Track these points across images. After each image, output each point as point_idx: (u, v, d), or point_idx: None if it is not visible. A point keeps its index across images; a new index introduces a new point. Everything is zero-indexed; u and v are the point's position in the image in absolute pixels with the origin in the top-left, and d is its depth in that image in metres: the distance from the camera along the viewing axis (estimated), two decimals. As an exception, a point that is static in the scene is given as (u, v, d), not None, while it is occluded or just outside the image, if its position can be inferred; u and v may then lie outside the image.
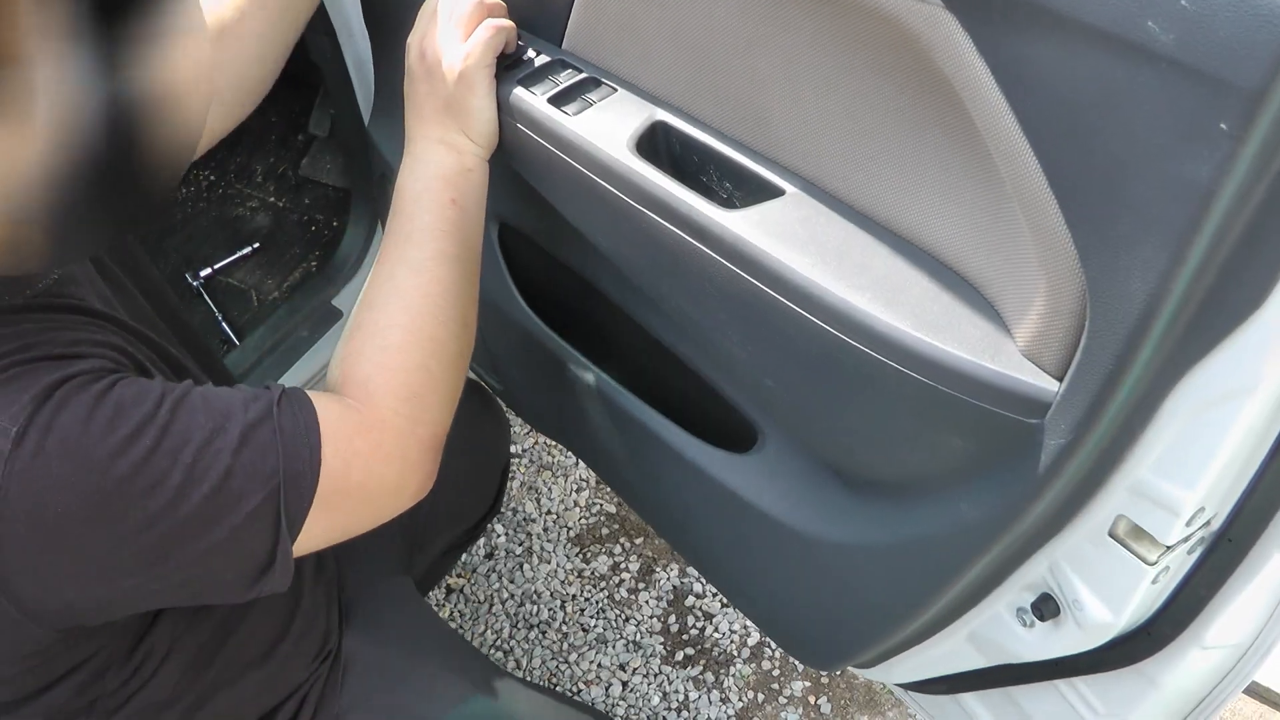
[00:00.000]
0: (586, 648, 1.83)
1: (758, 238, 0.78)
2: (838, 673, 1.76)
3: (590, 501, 2.02)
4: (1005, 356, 0.69)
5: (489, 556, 1.97)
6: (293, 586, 1.06)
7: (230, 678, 0.99)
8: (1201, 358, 0.60)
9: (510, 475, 2.06)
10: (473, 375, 1.59)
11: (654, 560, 1.93)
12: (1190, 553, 0.73)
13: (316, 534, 0.78)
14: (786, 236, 0.78)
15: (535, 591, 1.91)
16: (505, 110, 0.96)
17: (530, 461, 2.09)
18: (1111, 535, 0.72)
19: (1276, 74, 0.47)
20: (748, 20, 0.79)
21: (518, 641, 1.85)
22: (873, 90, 0.73)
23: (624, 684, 1.78)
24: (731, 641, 1.82)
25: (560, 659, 1.83)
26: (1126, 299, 0.59)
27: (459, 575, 1.94)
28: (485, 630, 1.87)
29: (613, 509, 2.00)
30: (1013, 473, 0.71)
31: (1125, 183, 0.56)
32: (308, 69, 1.88)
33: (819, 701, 1.75)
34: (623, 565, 1.93)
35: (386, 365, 0.85)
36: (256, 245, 1.94)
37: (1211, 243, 0.54)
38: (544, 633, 1.86)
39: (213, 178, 2.09)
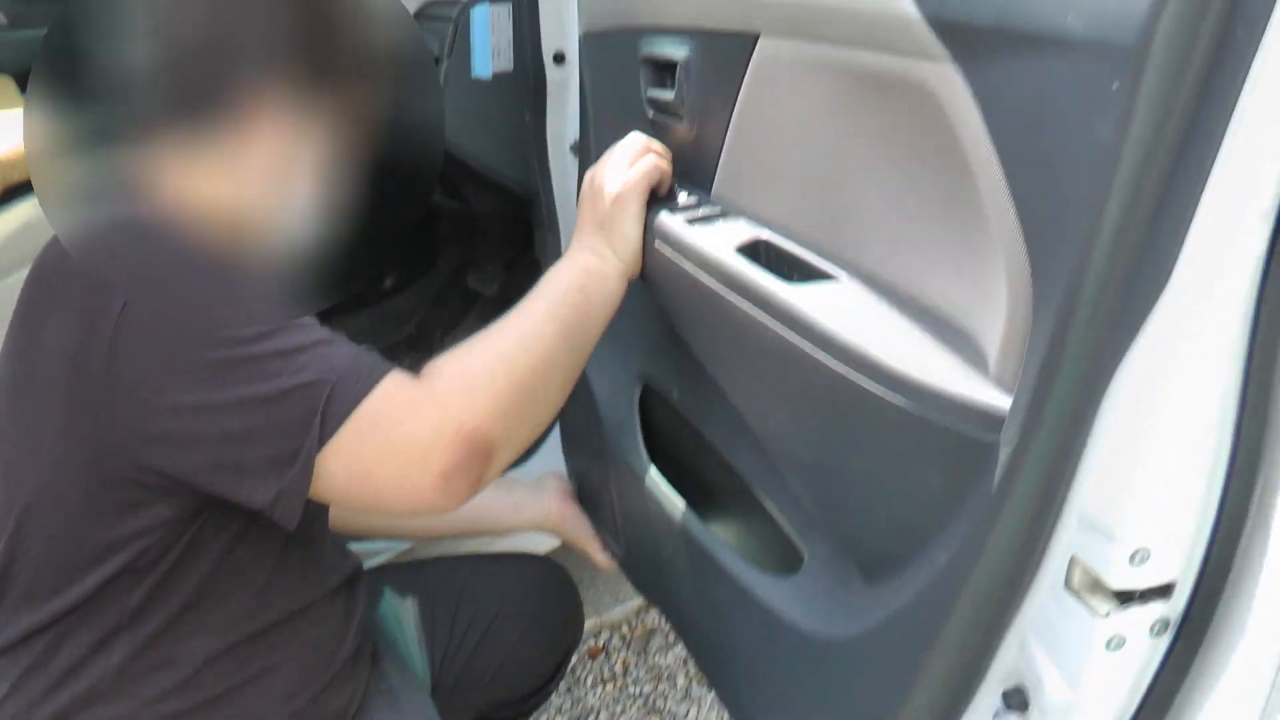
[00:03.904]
0: None
1: (811, 308, 0.88)
2: None
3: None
4: (973, 380, 0.73)
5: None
6: (336, 642, 1.11)
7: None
8: (1130, 344, 0.61)
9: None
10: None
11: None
12: (1155, 634, 0.68)
13: (340, 459, 0.87)
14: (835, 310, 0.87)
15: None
16: (649, 230, 1.14)
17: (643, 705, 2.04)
18: (1067, 586, 0.69)
19: (1150, 28, 0.56)
20: (826, 154, 0.94)
21: None
22: (900, 169, 0.83)
23: None
24: None
25: None
26: (1057, 282, 0.63)
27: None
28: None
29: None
30: (976, 502, 0.72)
31: (1053, 165, 0.63)
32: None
33: None
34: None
35: (456, 357, 0.97)
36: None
37: (1124, 206, 0.59)
38: None
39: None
